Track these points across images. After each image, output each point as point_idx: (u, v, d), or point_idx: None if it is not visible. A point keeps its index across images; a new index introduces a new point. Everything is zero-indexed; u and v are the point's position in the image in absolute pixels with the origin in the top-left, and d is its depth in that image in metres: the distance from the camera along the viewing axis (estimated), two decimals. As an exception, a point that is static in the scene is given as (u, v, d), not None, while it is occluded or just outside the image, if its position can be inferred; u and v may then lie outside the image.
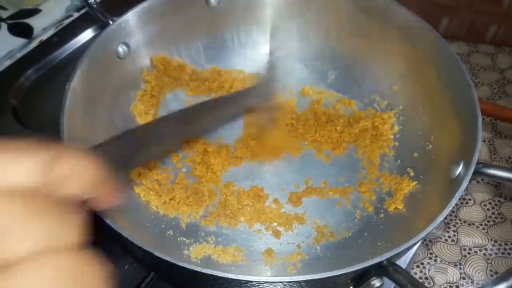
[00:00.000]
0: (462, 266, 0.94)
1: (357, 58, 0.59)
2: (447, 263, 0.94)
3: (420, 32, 0.52)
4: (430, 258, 0.95)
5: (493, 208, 1.00)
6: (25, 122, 0.58)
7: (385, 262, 0.35)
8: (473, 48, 1.28)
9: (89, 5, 0.53)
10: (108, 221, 0.37)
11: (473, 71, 1.23)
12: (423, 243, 0.96)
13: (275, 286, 0.35)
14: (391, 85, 0.57)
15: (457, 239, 0.97)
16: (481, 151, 1.08)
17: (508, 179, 0.39)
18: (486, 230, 0.98)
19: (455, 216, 1.00)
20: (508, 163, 1.07)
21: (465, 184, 0.39)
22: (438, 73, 0.51)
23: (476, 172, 0.40)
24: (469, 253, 0.95)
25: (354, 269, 0.34)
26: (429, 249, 0.96)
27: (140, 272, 0.50)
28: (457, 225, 0.99)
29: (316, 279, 0.33)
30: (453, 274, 0.93)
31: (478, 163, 0.40)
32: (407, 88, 0.56)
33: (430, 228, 0.37)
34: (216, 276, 0.34)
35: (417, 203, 0.48)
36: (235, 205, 0.51)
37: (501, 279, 0.29)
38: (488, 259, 0.94)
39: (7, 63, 0.63)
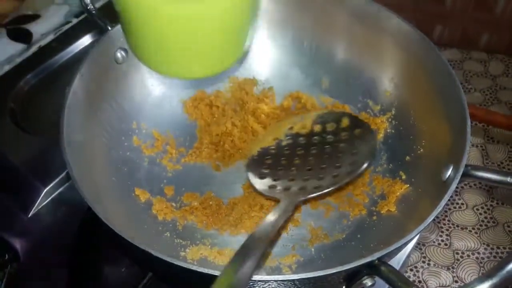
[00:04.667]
0: (455, 270, 0.95)
1: (351, 64, 0.60)
2: (440, 266, 0.95)
3: (412, 40, 0.53)
4: (424, 262, 0.96)
5: (485, 212, 1.02)
6: (23, 126, 0.59)
7: (376, 261, 0.36)
8: (466, 55, 1.29)
9: (89, 11, 0.53)
10: (106, 222, 0.38)
11: (466, 77, 1.25)
12: (416, 247, 0.97)
13: (269, 285, 0.36)
14: (384, 91, 0.58)
15: (450, 243, 0.98)
16: (473, 156, 1.10)
17: (496, 181, 0.40)
18: (478, 234, 0.99)
19: (448, 220, 1.01)
20: (500, 168, 1.08)
21: (454, 186, 0.40)
22: (429, 79, 0.52)
23: (465, 175, 0.41)
24: (461, 257, 0.97)
25: (346, 268, 0.35)
26: (422, 253, 0.97)
27: (137, 275, 0.51)
28: (450, 229, 1.00)
29: (309, 278, 0.34)
30: (446, 277, 0.94)
31: (467, 165, 0.41)
32: (399, 93, 0.57)
33: (420, 228, 0.38)
34: (212, 275, 0.35)
35: (409, 205, 0.49)
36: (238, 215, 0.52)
37: (487, 276, 0.30)
38: (481, 262, 0.96)
39: (7, 68, 0.65)
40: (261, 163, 0.53)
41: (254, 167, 0.52)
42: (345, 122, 0.54)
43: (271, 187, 0.50)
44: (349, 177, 0.49)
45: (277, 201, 0.51)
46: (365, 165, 0.50)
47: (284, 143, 0.54)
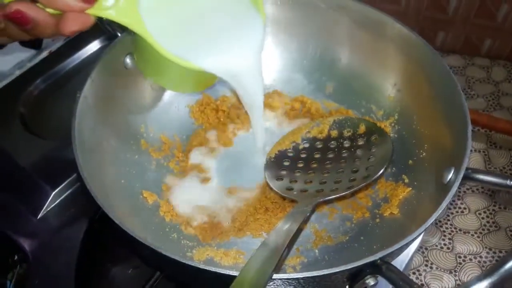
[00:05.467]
0: (457, 273, 0.95)
1: (354, 70, 0.61)
2: (442, 270, 0.96)
3: (414, 46, 0.54)
4: (426, 265, 0.97)
5: (487, 216, 1.02)
6: (33, 130, 0.60)
7: (379, 261, 0.36)
8: (468, 61, 1.30)
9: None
10: (117, 222, 0.39)
11: (469, 83, 1.26)
12: (419, 250, 0.97)
13: (274, 283, 0.37)
14: (387, 96, 0.59)
15: (453, 246, 0.99)
16: (476, 161, 1.11)
17: (496, 184, 0.41)
18: (481, 238, 1.00)
19: (451, 224, 1.02)
20: (503, 173, 1.09)
21: (455, 188, 0.41)
22: (431, 84, 0.53)
23: (466, 177, 0.42)
24: (464, 261, 0.97)
25: (349, 267, 0.36)
26: (425, 257, 0.98)
27: (144, 275, 0.52)
28: (452, 233, 1.01)
29: (314, 277, 0.35)
30: (448, 281, 0.95)
31: (467, 168, 0.42)
32: (402, 98, 0.58)
33: (421, 229, 0.39)
34: (218, 273, 0.36)
35: (411, 208, 0.50)
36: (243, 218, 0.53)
37: (486, 275, 0.30)
38: (483, 266, 0.96)
39: (17, 73, 0.66)
40: (279, 165, 0.54)
41: (272, 168, 0.53)
42: (362, 128, 0.55)
43: (288, 188, 0.51)
44: (366, 181, 0.50)
45: (293, 201, 0.52)
46: (381, 171, 0.50)
47: (301, 146, 0.55)
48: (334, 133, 0.56)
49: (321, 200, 0.49)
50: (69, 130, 0.45)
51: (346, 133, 0.55)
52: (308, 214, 0.46)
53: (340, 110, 0.61)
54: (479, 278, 0.31)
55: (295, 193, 0.50)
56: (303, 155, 0.55)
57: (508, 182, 0.40)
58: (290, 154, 0.55)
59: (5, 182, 0.57)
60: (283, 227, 0.42)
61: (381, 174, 0.51)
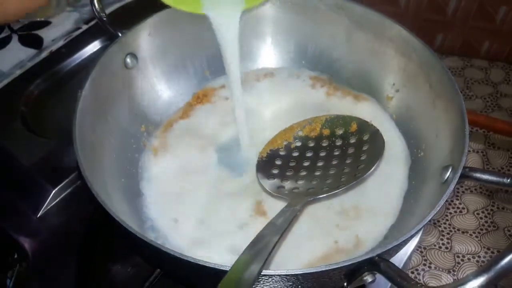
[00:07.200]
0: (455, 273, 0.96)
1: (353, 70, 0.61)
2: (441, 269, 0.97)
3: (413, 47, 0.54)
4: (425, 265, 0.97)
5: (486, 216, 1.03)
6: (33, 129, 0.61)
7: (376, 258, 0.37)
8: (467, 63, 1.31)
9: (99, 18, 0.55)
10: (118, 220, 0.39)
11: (467, 84, 1.26)
12: (417, 250, 0.98)
13: (273, 279, 0.37)
14: (386, 96, 0.59)
15: (451, 246, 0.99)
16: (474, 161, 1.11)
17: (493, 182, 0.41)
18: (479, 238, 1.00)
19: (449, 224, 1.02)
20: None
21: (452, 186, 0.41)
22: (430, 85, 0.53)
23: (464, 176, 0.42)
24: (462, 260, 0.98)
25: (347, 264, 0.36)
26: (423, 256, 0.98)
27: (143, 274, 0.53)
28: (451, 233, 1.01)
29: (312, 273, 0.36)
30: (446, 280, 0.95)
31: (465, 167, 0.42)
32: (401, 98, 0.58)
33: (419, 226, 0.39)
34: (217, 269, 0.36)
35: (410, 207, 0.51)
36: None
37: (483, 271, 0.31)
38: (481, 266, 0.96)
39: (18, 72, 0.66)
40: (271, 164, 0.54)
41: (264, 168, 0.53)
42: (354, 126, 0.55)
43: (280, 187, 0.51)
44: (356, 180, 0.50)
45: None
46: (372, 169, 0.50)
47: (293, 145, 0.55)
48: (326, 131, 0.56)
49: (312, 199, 0.49)
50: (69, 129, 0.46)
51: (338, 131, 0.55)
52: (298, 213, 0.46)
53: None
54: (476, 274, 0.31)
55: (286, 192, 0.51)
56: (295, 154, 0.55)
57: (505, 180, 0.40)
58: (282, 153, 0.55)
59: (6, 181, 0.58)
60: (273, 225, 0.42)
61: (372, 171, 0.50)
